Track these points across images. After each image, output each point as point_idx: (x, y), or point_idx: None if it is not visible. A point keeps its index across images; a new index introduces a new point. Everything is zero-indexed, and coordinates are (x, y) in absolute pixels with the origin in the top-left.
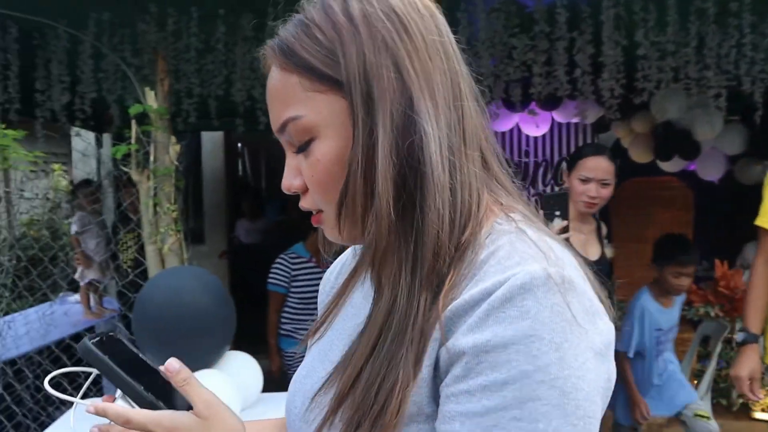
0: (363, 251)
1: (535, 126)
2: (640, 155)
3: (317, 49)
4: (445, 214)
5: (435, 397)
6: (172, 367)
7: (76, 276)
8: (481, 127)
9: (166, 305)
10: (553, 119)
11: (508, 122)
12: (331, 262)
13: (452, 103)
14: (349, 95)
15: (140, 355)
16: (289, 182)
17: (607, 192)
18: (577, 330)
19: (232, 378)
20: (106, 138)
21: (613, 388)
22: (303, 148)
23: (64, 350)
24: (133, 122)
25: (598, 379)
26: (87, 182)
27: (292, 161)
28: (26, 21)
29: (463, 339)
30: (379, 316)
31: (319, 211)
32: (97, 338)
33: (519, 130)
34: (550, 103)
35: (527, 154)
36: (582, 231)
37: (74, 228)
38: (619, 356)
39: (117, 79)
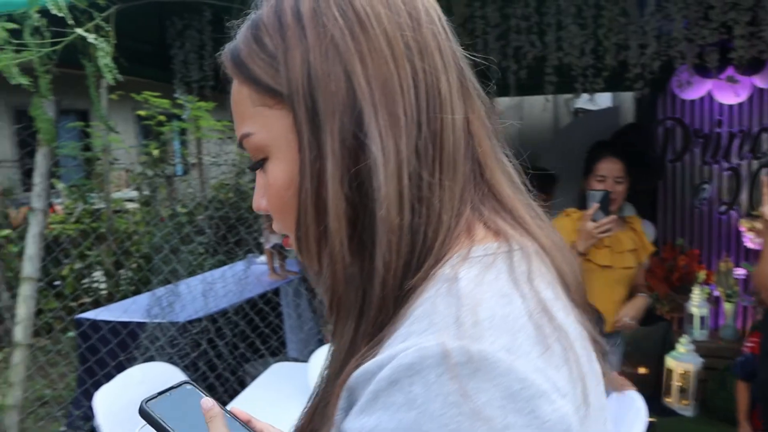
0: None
1: (733, 94)
2: None
3: (263, 57)
4: (392, 259)
5: None
6: (205, 404)
7: (262, 239)
8: (481, 133)
9: None
10: (753, 85)
11: (699, 90)
12: None
13: (425, 116)
14: (292, 111)
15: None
16: (257, 202)
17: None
18: (485, 426)
19: None
20: None
21: None
22: (258, 166)
23: (253, 308)
24: None
25: None
26: None
27: (260, 179)
28: (218, 4)
29: (351, 422)
30: (327, 370)
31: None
32: (163, 392)
33: (711, 98)
34: (752, 67)
35: (720, 123)
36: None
37: None
38: None
39: None
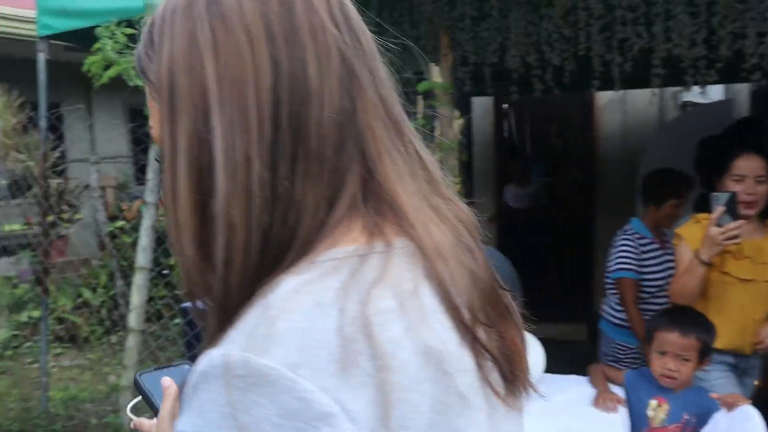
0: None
1: None
2: None
3: (148, 51)
4: (234, 258)
5: None
6: (164, 382)
7: None
8: (374, 125)
9: None
10: None
11: None
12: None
13: (286, 110)
14: (158, 104)
15: None
16: None
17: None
18: None
19: None
20: None
21: None
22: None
23: None
24: (419, 98)
25: None
26: None
27: None
28: None
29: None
30: None
31: None
32: (160, 368)
33: None
34: None
35: None
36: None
37: None
38: None
39: (397, 51)
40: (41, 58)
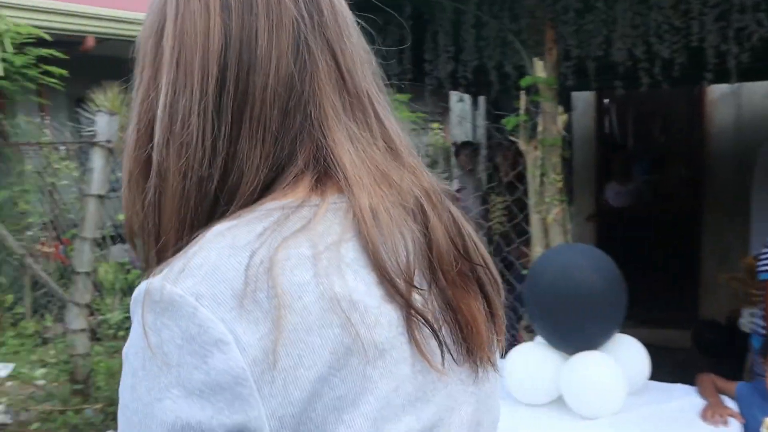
0: None
1: None
2: None
3: None
4: (168, 203)
5: None
6: None
7: None
8: (326, 91)
9: (558, 283)
10: None
11: None
12: None
13: (233, 73)
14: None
15: None
16: None
17: None
18: (159, 359)
19: (618, 362)
20: (482, 101)
21: None
22: None
23: None
24: (522, 93)
25: (184, 423)
26: (467, 143)
27: None
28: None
29: None
30: None
31: None
32: None
33: None
34: None
35: None
36: None
37: (454, 186)
38: None
39: (497, 45)
40: None
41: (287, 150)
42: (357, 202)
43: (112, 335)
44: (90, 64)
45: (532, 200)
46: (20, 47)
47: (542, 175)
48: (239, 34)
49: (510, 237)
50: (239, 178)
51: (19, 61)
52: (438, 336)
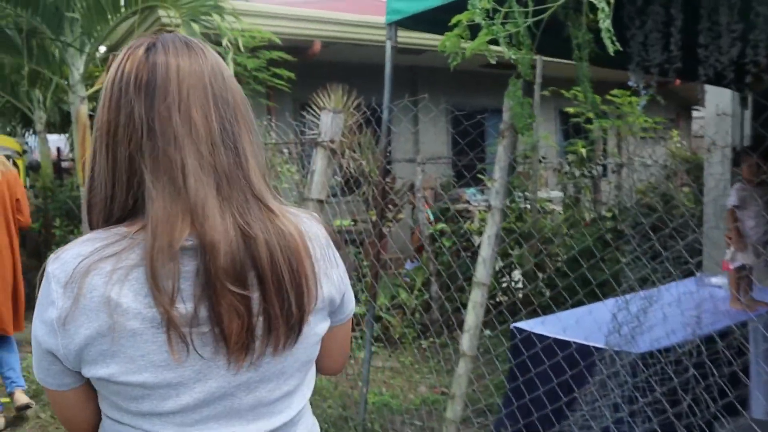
0: None
1: None
2: None
3: None
4: (91, 210)
5: None
6: None
7: (727, 257)
8: (151, 159)
9: None
10: None
11: None
12: None
13: (111, 146)
14: None
15: None
16: None
17: None
18: (37, 302)
19: None
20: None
21: (47, 352)
22: None
23: (710, 343)
24: None
25: (41, 337)
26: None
27: None
28: None
29: None
30: None
31: None
32: None
33: None
34: None
35: None
36: None
37: (731, 201)
38: None
39: None
40: (389, 45)
41: (131, 201)
42: (151, 242)
43: None
44: (314, 69)
45: None
46: (253, 51)
47: None
48: (113, 121)
49: None
50: (112, 205)
51: (252, 64)
52: (181, 333)
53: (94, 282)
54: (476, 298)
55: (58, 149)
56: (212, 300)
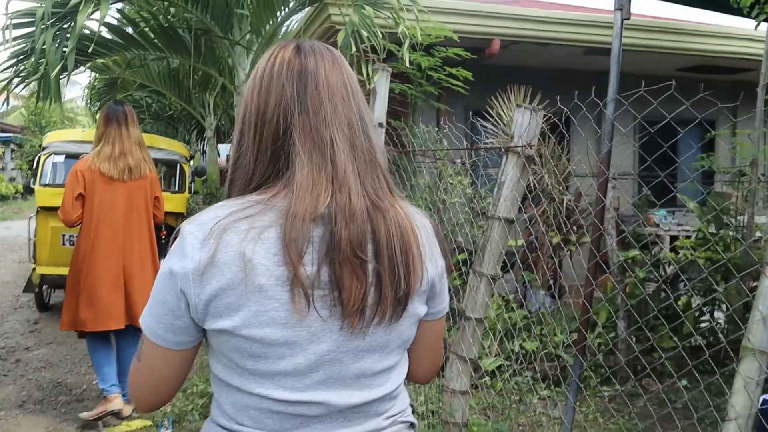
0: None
1: None
2: None
3: None
4: (233, 177)
5: None
6: None
7: None
8: (303, 136)
9: None
10: None
11: None
12: None
13: (257, 128)
14: None
15: None
16: None
17: None
18: (168, 257)
19: None
20: None
21: (176, 304)
22: None
23: None
24: None
25: (161, 283)
26: None
27: None
28: None
29: None
30: None
31: None
32: None
33: None
34: None
35: None
36: None
37: None
38: None
39: None
40: (617, 18)
41: (271, 170)
42: (289, 207)
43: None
44: (489, 73)
45: None
46: (426, 49)
47: None
48: (263, 107)
49: None
50: (251, 176)
51: (426, 63)
52: (305, 292)
53: (230, 239)
54: (750, 372)
55: (228, 157)
56: (335, 264)
